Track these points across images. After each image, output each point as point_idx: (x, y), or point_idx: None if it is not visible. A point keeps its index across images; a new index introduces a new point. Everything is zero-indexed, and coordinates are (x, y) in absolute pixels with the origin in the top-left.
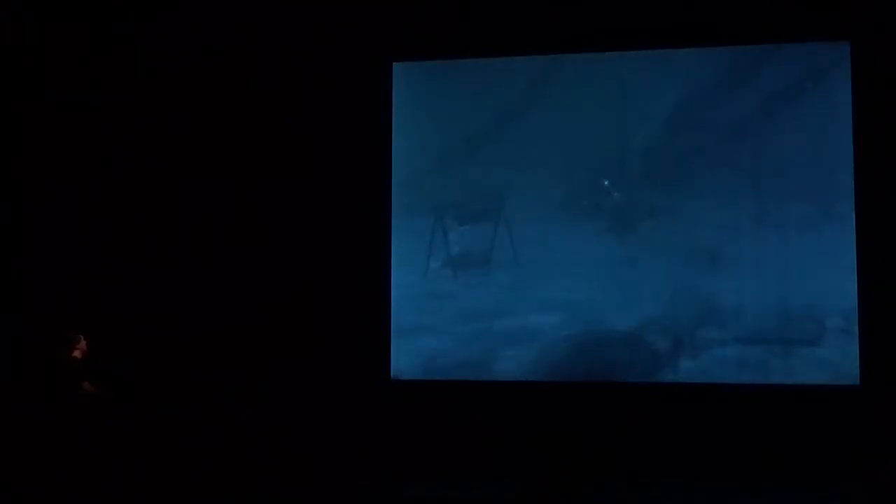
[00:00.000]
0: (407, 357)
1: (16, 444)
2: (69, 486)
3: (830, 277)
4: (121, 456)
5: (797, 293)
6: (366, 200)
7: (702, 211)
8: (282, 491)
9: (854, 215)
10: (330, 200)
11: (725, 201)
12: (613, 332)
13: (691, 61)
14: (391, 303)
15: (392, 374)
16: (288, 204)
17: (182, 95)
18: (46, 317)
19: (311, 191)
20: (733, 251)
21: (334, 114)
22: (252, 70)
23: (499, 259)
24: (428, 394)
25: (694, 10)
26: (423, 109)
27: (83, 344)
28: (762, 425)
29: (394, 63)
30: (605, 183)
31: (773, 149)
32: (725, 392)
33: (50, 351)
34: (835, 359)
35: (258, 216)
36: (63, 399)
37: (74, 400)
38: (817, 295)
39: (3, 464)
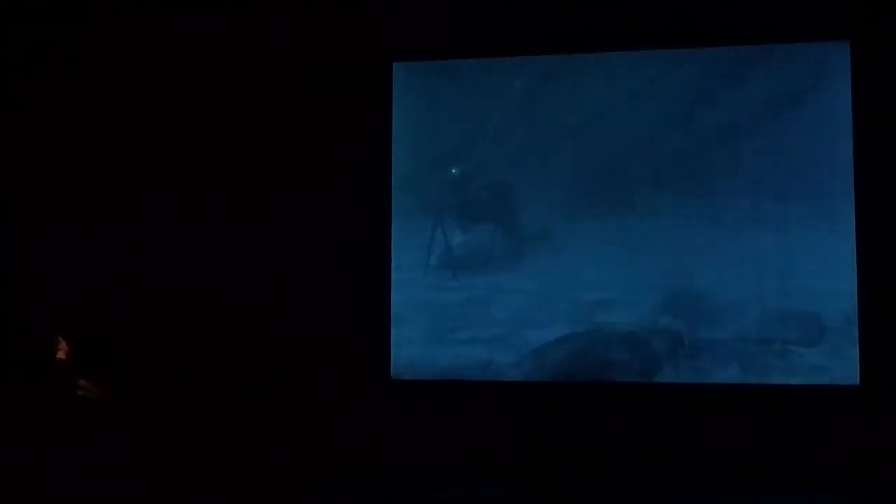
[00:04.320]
0: (407, 357)
1: (14, 447)
2: (70, 485)
3: (830, 277)
4: (118, 454)
5: (797, 293)
6: (366, 200)
7: (702, 211)
8: (282, 491)
9: (854, 215)
10: (330, 200)
11: (725, 201)
12: (613, 332)
13: (691, 61)
14: (391, 303)
15: (392, 374)
16: (288, 204)
17: (181, 94)
18: (36, 318)
19: (311, 190)
20: (733, 251)
21: (334, 114)
22: (252, 69)
23: (498, 259)
24: (428, 394)
25: (694, 10)
26: (423, 109)
27: (63, 345)
28: (762, 425)
29: (394, 63)
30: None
31: (773, 149)
32: (725, 392)
33: (36, 355)
34: (835, 359)
35: (257, 216)
36: (57, 400)
37: (70, 400)
38: (817, 295)
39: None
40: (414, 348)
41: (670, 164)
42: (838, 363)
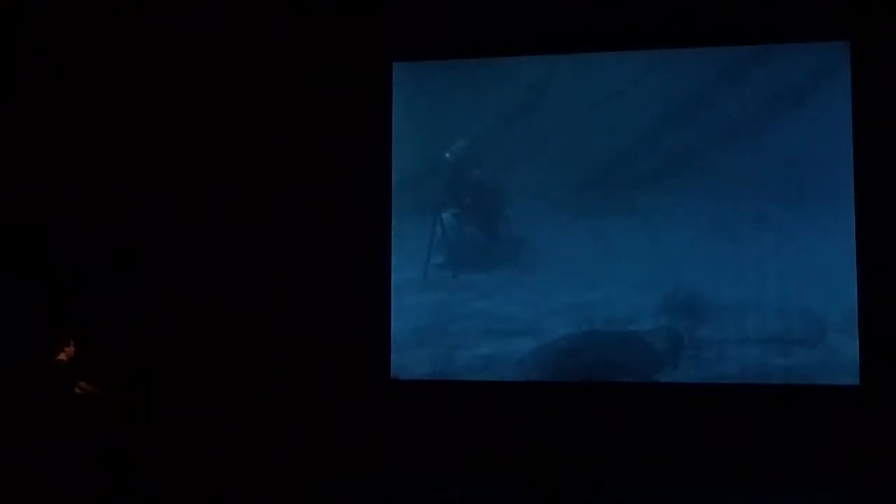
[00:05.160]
0: (407, 357)
1: (14, 447)
2: (70, 485)
3: (830, 277)
4: (118, 454)
5: (797, 293)
6: (366, 200)
7: (702, 211)
8: (282, 491)
9: (854, 216)
10: (330, 200)
11: (725, 201)
12: (613, 331)
13: (691, 61)
14: (391, 302)
15: (392, 374)
16: (288, 203)
17: (181, 94)
18: (36, 319)
19: (312, 190)
20: (733, 251)
21: (334, 114)
22: (252, 69)
23: (498, 259)
24: (428, 394)
25: (694, 10)
26: (423, 109)
27: (71, 347)
28: (762, 425)
29: (394, 63)
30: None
31: (774, 149)
32: (725, 392)
33: (36, 355)
34: (835, 359)
35: (258, 215)
36: (55, 401)
37: (70, 400)
38: (817, 295)
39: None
40: (414, 348)
41: (670, 164)
42: (838, 363)
